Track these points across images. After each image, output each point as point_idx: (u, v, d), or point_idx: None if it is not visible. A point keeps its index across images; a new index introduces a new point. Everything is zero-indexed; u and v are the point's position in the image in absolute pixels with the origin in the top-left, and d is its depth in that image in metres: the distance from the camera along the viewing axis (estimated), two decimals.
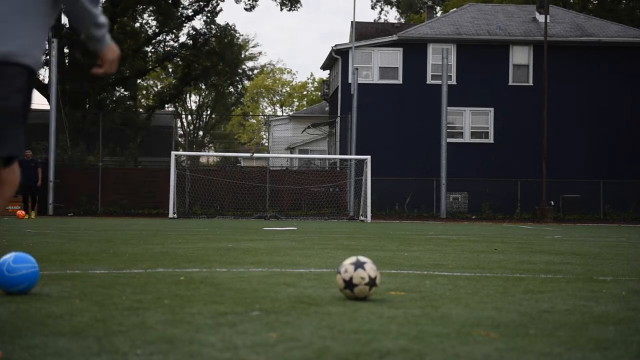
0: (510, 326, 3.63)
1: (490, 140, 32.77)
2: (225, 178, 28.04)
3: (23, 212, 22.26)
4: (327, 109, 43.80)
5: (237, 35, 43.05)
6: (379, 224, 22.78)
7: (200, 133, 68.24)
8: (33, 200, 22.92)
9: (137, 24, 39.77)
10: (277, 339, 3.19)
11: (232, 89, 49.62)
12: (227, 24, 40.03)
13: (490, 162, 32.15)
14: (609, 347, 3.16)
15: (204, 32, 39.56)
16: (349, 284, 4.45)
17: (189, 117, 67.49)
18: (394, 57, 32.75)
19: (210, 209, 27.57)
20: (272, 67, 76.28)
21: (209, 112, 66.72)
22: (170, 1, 38.00)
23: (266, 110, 75.56)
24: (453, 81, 31.78)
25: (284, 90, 76.92)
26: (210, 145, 66.83)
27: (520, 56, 32.73)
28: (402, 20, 58.71)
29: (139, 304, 4.16)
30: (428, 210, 30.61)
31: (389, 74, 32.81)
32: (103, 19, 3.13)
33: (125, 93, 42.00)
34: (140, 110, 44.72)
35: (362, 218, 25.64)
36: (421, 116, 31.96)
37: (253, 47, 69.98)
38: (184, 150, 44.98)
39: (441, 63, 29.85)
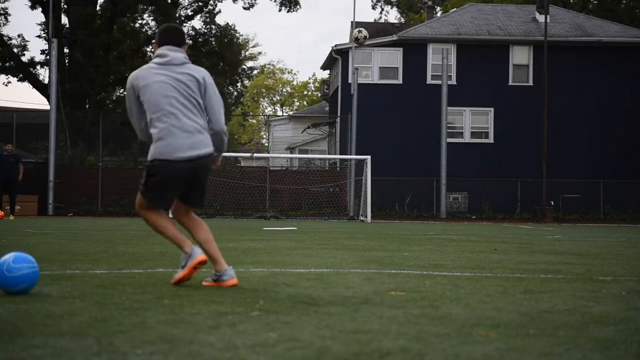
0: (510, 326, 3.63)
1: (490, 140, 32.77)
2: (225, 178, 28.03)
3: (1, 213, 20.98)
4: (327, 109, 43.80)
5: (237, 35, 43.03)
6: (379, 224, 22.78)
7: None
8: (12, 198, 21.02)
9: (137, 24, 39.76)
10: (277, 339, 3.19)
11: (232, 89, 49.59)
12: (227, 23, 40.04)
13: (490, 162, 32.14)
14: (609, 347, 3.16)
15: (204, 32, 39.55)
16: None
17: None
18: (394, 57, 32.75)
19: (210, 209, 27.57)
20: (272, 67, 76.30)
21: None
22: (169, 1, 37.99)
23: (266, 110, 75.58)
24: (453, 81, 31.77)
25: (284, 90, 76.92)
26: None
27: (520, 56, 32.72)
28: (402, 20, 58.73)
29: (139, 304, 4.17)
30: (428, 210, 30.61)
31: (389, 74, 32.81)
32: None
33: (125, 93, 41.97)
34: None
35: (362, 218, 25.64)
36: (421, 116, 31.95)
37: (253, 47, 70.02)
38: None
39: (441, 63, 29.83)
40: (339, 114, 33.39)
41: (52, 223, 18.39)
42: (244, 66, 50.92)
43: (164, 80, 5.00)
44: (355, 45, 28.26)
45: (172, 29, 5.29)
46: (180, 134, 4.93)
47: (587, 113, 32.38)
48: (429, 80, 32.46)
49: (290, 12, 40.01)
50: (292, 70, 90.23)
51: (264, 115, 67.49)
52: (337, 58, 33.76)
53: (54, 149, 27.51)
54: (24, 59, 36.45)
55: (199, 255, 5.02)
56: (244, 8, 40.93)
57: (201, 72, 5.14)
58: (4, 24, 37.02)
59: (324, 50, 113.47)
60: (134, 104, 5.11)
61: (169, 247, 9.15)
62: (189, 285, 5.14)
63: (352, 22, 33.45)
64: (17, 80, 36.68)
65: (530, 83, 32.53)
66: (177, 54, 5.11)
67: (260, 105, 76.56)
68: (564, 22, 34.10)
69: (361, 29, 25.90)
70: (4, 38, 35.90)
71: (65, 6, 35.60)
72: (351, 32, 33.44)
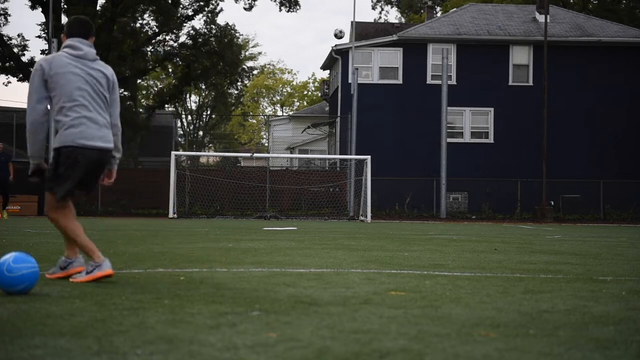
0: (510, 326, 3.63)
1: (490, 140, 32.77)
2: (225, 178, 28.04)
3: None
4: (327, 109, 43.80)
5: (237, 35, 43.04)
6: (379, 224, 22.78)
7: (200, 133, 68.22)
8: (5, 198, 20.62)
9: (137, 24, 39.76)
10: (277, 339, 3.19)
11: (232, 90, 49.63)
12: (227, 23, 40.04)
13: (490, 162, 32.15)
14: (609, 347, 3.16)
15: (204, 32, 39.55)
16: None
17: (189, 117, 67.51)
18: (394, 57, 32.75)
19: (210, 209, 27.58)
20: (272, 67, 76.31)
21: (209, 112, 66.73)
22: (170, 1, 37.99)
23: (266, 110, 75.58)
24: (453, 81, 31.78)
25: (284, 90, 76.93)
26: (210, 145, 66.83)
27: (520, 56, 32.72)
28: (402, 20, 58.75)
29: (139, 304, 4.17)
30: (428, 210, 30.61)
31: (389, 74, 32.81)
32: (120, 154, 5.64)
33: (125, 93, 42.00)
34: (140, 110, 44.70)
35: (362, 218, 25.64)
36: (421, 116, 31.95)
37: (253, 47, 70.02)
38: (184, 150, 44.97)
39: (441, 63, 29.83)
40: (339, 114, 33.40)
41: (52, 223, 18.34)
42: (244, 66, 50.96)
43: (78, 74, 5.31)
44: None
45: (82, 21, 5.57)
46: (91, 124, 5.29)
47: (587, 113, 32.38)
48: (429, 80, 32.46)
49: (290, 12, 40.03)
50: (292, 70, 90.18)
51: (264, 115, 67.50)
52: (337, 58, 33.76)
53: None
54: (24, 59, 36.43)
55: (108, 268, 5.22)
56: (245, 9, 40.95)
57: (110, 70, 5.56)
58: (4, 24, 36.97)
59: (324, 50, 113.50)
60: (41, 85, 5.29)
61: (169, 247, 9.15)
62: (189, 285, 5.14)
63: (352, 22, 33.45)
64: (17, 80, 36.66)
65: (530, 83, 32.54)
66: (91, 49, 5.46)
67: (260, 105, 76.56)
68: (564, 22, 34.10)
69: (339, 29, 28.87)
70: (4, 38, 35.89)
71: (65, 6, 35.60)
72: (351, 32, 33.44)
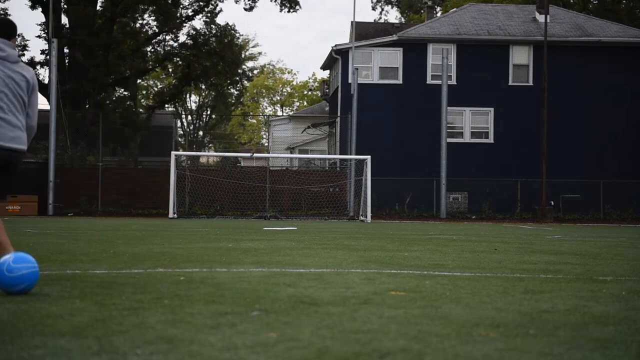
0: (510, 326, 3.63)
1: (490, 140, 32.76)
2: (225, 178, 28.03)
3: None
4: (327, 109, 43.79)
5: (237, 35, 43.04)
6: (379, 224, 22.78)
7: (200, 133, 68.21)
8: None
9: (137, 24, 39.76)
10: (277, 339, 3.19)
11: (232, 90, 49.64)
12: (227, 24, 40.03)
13: (490, 162, 32.14)
14: (609, 347, 3.16)
15: (204, 32, 39.55)
16: None
17: (189, 117, 67.50)
18: (394, 57, 32.74)
19: (210, 209, 27.57)
20: (272, 67, 76.30)
21: (209, 112, 66.71)
22: (170, 1, 37.99)
23: (266, 110, 75.57)
24: (453, 81, 31.77)
25: (284, 90, 76.93)
26: (210, 145, 66.79)
27: (520, 56, 32.71)
28: (402, 20, 58.75)
29: (139, 304, 4.17)
30: (428, 210, 30.60)
31: (389, 74, 32.80)
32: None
33: (125, 93, 41.99)
34: (140, 110, 44.68)
35: (362, 218, 25.64)
36: (421, 116, 31.94)
37: (253, 47, 70.00)
38: (184, 150, 44.96)
39: (441, 63, 29.82)
40: (339, 114, 33.39)
41: (52, 223, 18.38)
42: (244, 67, 50.94)
43: None
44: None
45: (4, 22, 5.64)
46: (5, 125, 5.31)
47: (587, 113, 32.38)
48: (429, 80, 32.45)
49: (290, 12, 40.03)
50: (292, 70, 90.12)
51: (264, 115, 67.51)
52: (337, 58, 33.75)
53: (54, 149, 27.51)
54: (24, 59, 36.43)
55: None
56: (245, 9, 40.94)
57: (31, 72, 5.60)
58: None
59: (324, 50, 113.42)
60: None
61: (169, 247, 9.15)
62: (189, 285, 5.14)
63: (352, 22, 33.44)
64: None
65: (530, 83, 32.53)
66: (13, 51, 5.51)
67: (260, 105, 76.55)
68: (564, 22, 34.10)
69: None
70: None
71: (65, 6, 35.60)
72: (351, 32, 33.39)
